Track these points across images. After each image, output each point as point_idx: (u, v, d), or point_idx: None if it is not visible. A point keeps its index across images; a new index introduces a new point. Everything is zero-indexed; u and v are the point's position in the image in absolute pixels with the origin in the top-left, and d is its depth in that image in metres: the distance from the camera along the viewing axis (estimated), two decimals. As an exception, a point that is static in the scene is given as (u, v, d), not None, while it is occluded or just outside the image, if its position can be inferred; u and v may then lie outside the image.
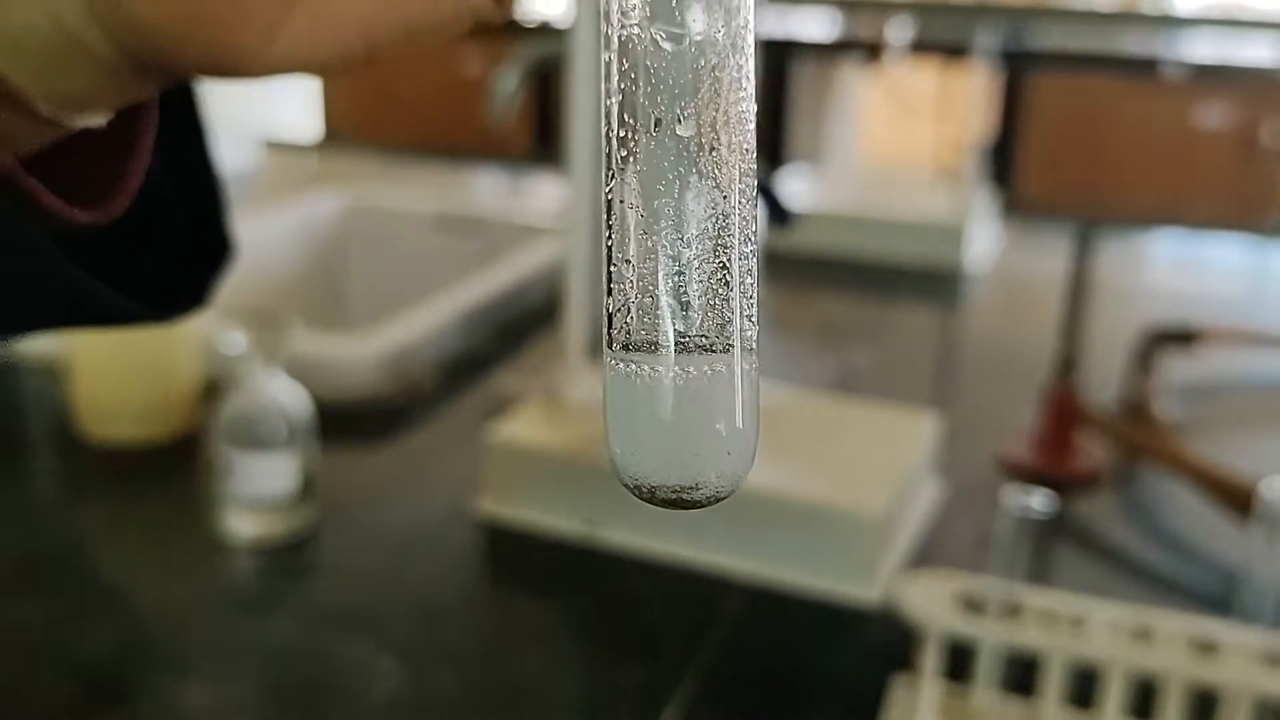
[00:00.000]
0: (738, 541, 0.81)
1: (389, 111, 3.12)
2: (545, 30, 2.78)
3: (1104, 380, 1.08)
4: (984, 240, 1.57)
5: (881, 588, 0.79)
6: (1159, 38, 2.84)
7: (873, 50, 2.53)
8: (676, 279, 0.26)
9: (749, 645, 0.75)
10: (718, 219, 0.26)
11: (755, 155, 0.26)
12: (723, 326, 0.26)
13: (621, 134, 0.26)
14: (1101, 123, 2.73)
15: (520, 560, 0.85)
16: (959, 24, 2.34)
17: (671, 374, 0.26)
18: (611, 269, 0.26)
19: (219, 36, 0.27)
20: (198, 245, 0.38)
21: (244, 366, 0.83)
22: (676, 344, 0.26)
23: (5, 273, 0.29)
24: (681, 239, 0.25)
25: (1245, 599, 0.74)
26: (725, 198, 0.26)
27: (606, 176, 0.26)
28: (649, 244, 0.26)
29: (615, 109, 0.26)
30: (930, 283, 1.47)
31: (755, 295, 0.27)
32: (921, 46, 2.34)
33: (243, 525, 0.83)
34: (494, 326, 1.23)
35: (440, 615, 0.77)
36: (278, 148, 1.95)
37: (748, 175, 0.26)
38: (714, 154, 0.25)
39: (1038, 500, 0.63)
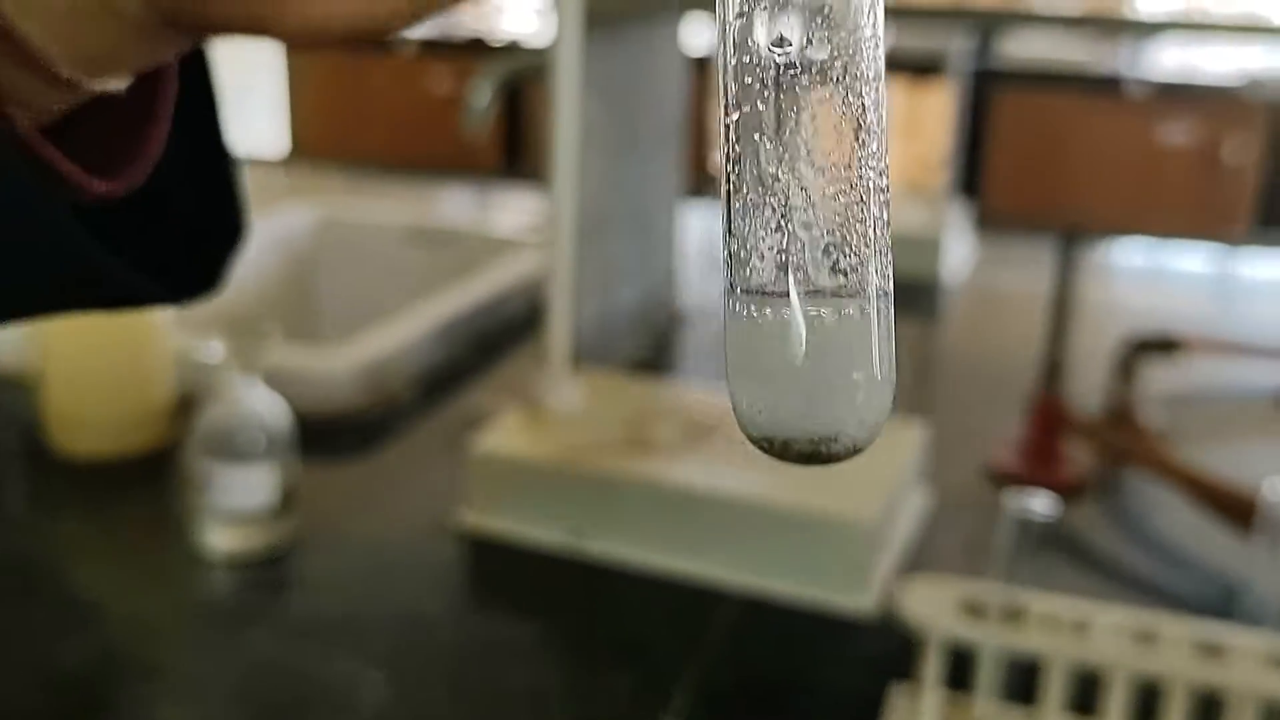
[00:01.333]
0: (727, 551, 0.80)
1: (356, 128, 3.09)
2: (514, 49, 2.78)
3: (1086, 389, 1.08)
4: (959, 253, 1.57)
5: (875, 596, 0.77)
6: (1124, 47, 2.87)
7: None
8: (807, 214, 0.24)
9: (741, 657, 0.74)
10: (852, 148, 0.24)
11: (885, 87, 0.25)
12: (858, 267, 0.24)
13: (745, 58, 0.24)
14: (1067, 139, 2.75)
15: (504, 572, 0.83)
16: (930, 33, 2.35)
17: (804, 318, 0.24)
18: (733, 204, 0.24)
19: None
20: (212, 224, 0.36)
21: (221, 377, 0.81)
22: (810, 285, 0.24)
23: (18, 245, 0.27)
24: (814, 168, 0.24)
25: (1247, 605, 0.74)
26: (860, 124, 0.24)
27: (725, 103, 0.24)
28: (777, 174, 0.24)
29: (735, 31, 0.24)
30: (908, 295, 1.46)
31: (889, 235, 0.25)
32: (894, 63, 2.36)
33: (220, 539, 0.81)
34: (469, 340, 1.22)
35: (424, 629, 0.75)
36: (246, 163, 1.93)
37: (881, 102, 0.25)
38: (848, 77, 0.24)
39: (1040, 504, 0.62)
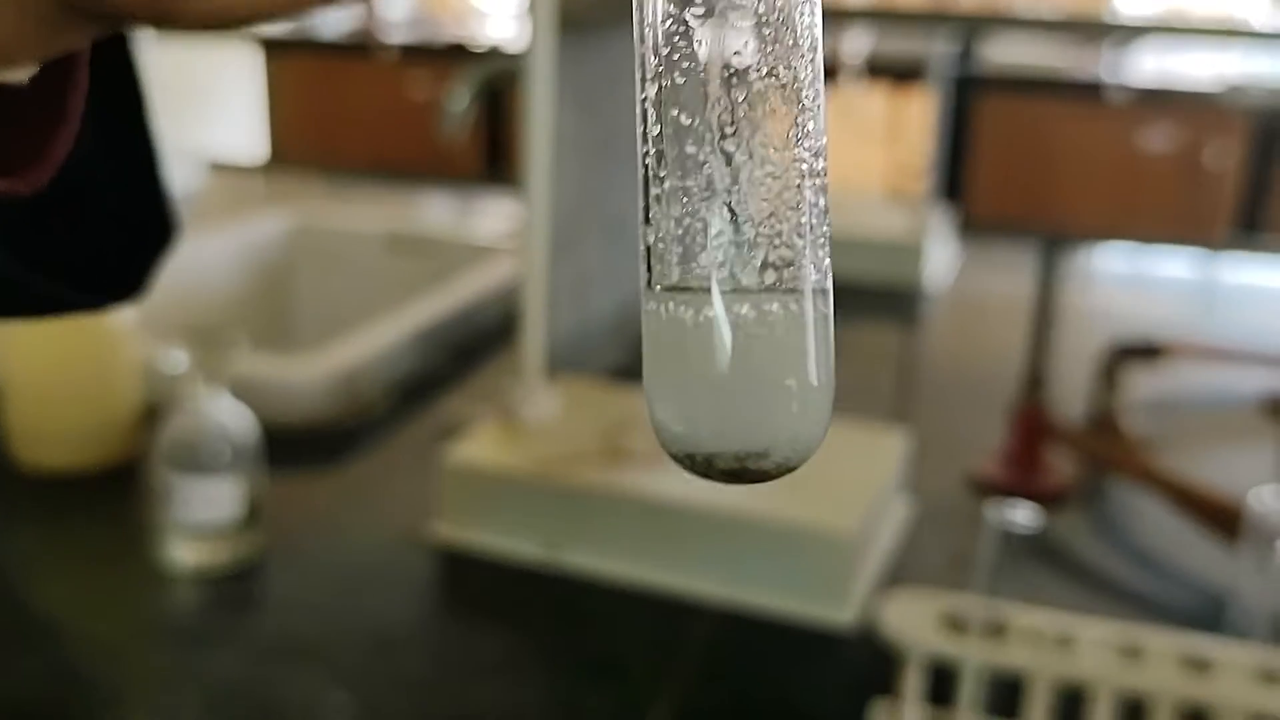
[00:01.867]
0: (705, 563, 0.78)
1: (335, 133, 3.07)
2: (494, 54, 2.76)
3: (1069, 396, 1.07)
4: (941, 259, 1.56)
5: (855, 609, 0.76)
6: (1105, 53, 2.87)
7: (828, 71, 2.52)
8: (733, 201, 0.21)
9: (719, 671, 0.72)
10: (786, 126, 0.21)
11: (822, 60, 0.22)
12: (791, 261, 0.21)
13: (666, 25, 0.21)
14: (1049, 145, 2.74)
15: (478, 586, 0.81)
16: (911, 38, 2.34)
17: (730, 317, 0.21)
18: (652, 191, 0.22)
19: None
20: (136, 224, 0.34)
21: (185, 387, 0.79)
22: (734, 282, 0.21)
23: None
24: (740, 148, 0.21)
25: (1234, 616, 0.72)
26: (791, 100, 0.21)
27: (643, 76, 0.22)
28: (699, 157, 0.21)
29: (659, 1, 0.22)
30: (890, 301, 1.45)
31: (827, 224, 0.22)
32: (875, 68, 2.35)
33: (184, 553, 0.79)
34: (445, 347, 1.20)
35: (394, 645, 0.73)
36: (221, 169, 1.91)
37: (816, 79, 0.22)
38: (779, 46, 0.21)
39: (1021, 515, 0.61)
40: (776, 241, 0.22)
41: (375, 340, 1.11)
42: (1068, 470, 0.96)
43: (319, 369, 1.03)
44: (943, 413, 1.13)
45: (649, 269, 0.22)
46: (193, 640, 0.74)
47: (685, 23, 0.21)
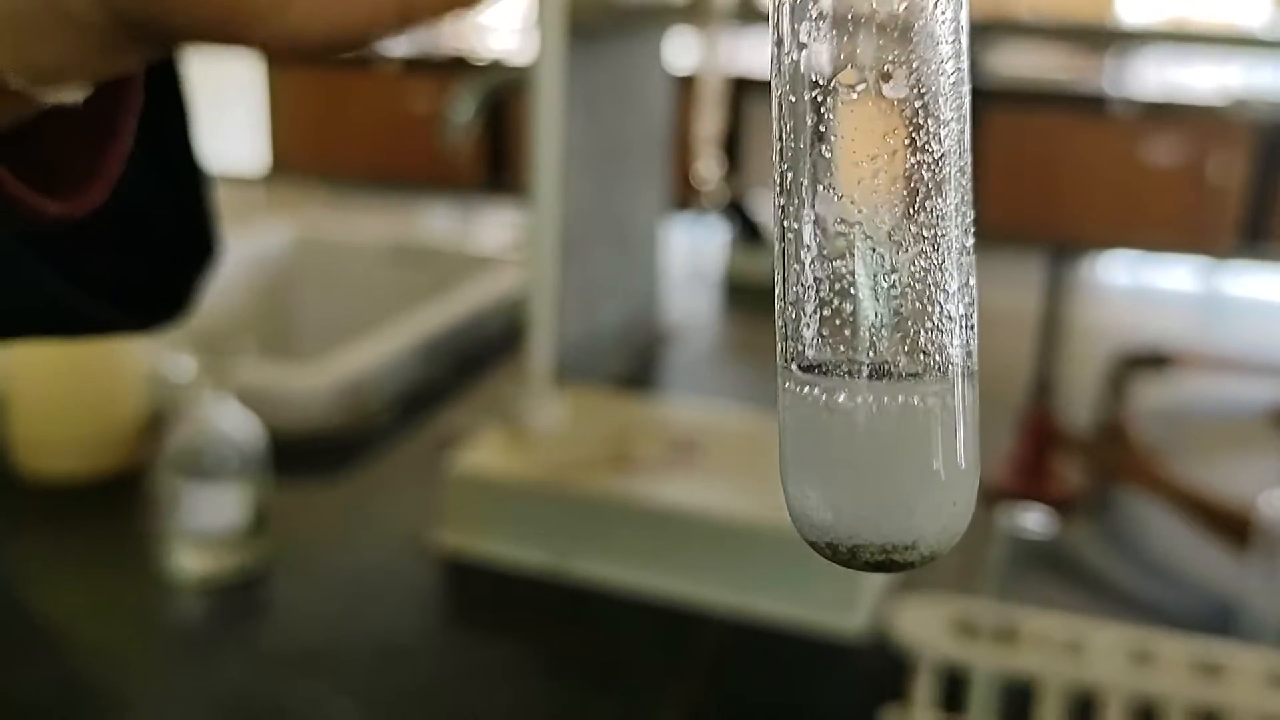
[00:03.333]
0: (713, 571, 0.78)
1: (337, 144, 3.08)
2: (496, 65, 2.77)
3: (1076, 404, 1.06)
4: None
5: (865, 616, 0.75)
6: (1110, 65, 2.87)
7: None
8: (878, 280, 0.20)
9: (728, 680, 0.72)
10: (931, 203, 0.20)
11: (970, 130, 0.21)
12: (940, 344, 0.21)
13: (801, 91, 0.20)
14: (1054, 158, 2.75)
15: (484, 595, 0.81)
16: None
17: (877, 404, 0.20)
18: (791, 266, 0.21)
19: None
20: (181, 244, 0.34)
21: (191, 394, 0.79)
22: (883, 366, 0.20)
23: None
24: (886, 223, 0.20)
25: (1244, 622, 0.72)
26: (939, 175, 0.20)
27: (779, 144, 0.21)
28: (845, 233, 0.20)
29: (788, 55, 0.21)
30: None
31: (975, 302, 0.21)
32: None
33: (190, 561, 0.78)
34: (449, 358, 1.19)
35: (400, 655, 0.73)
36: (224, 180, 1.91)
37: (964, 152, 0.21)
38: (926, 116, 0.20)
39: (1032, 522, 0.60)
40: (927, 324, 0.21)
41: (380, 350, 1.10)
42: (1076, 479, 0.96)
43: (324, 378, 1.03)
44: (949, 422, 1.13)
45: (786, 346, 0.21)
46: (198, 649, 0.74)
47: (831, 92, 0.20)
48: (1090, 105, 2.72)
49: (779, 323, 0.22)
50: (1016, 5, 2.81)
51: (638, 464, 0.84)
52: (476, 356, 1.22)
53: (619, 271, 1.20)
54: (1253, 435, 1.12)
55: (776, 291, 0.22)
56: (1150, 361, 1.12)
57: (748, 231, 0.93)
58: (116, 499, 0.90)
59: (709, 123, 1.21)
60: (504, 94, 1.24)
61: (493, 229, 1.70)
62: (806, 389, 0.21)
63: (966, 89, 0.21)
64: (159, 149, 0.32)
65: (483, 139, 2.74)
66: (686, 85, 1.31)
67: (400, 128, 2.88)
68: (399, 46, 3.09)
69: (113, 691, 0.70)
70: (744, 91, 2.72)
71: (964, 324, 0.21)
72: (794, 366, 0.21)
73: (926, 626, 0.61)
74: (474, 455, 0.85)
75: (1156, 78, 2.84)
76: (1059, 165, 2.74)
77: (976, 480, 0.22)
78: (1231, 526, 0.81)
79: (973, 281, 0.21)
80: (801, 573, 0.76)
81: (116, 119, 0.28)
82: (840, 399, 0.21)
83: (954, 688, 0.62)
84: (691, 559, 0.78)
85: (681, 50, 1.40)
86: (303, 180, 2.03)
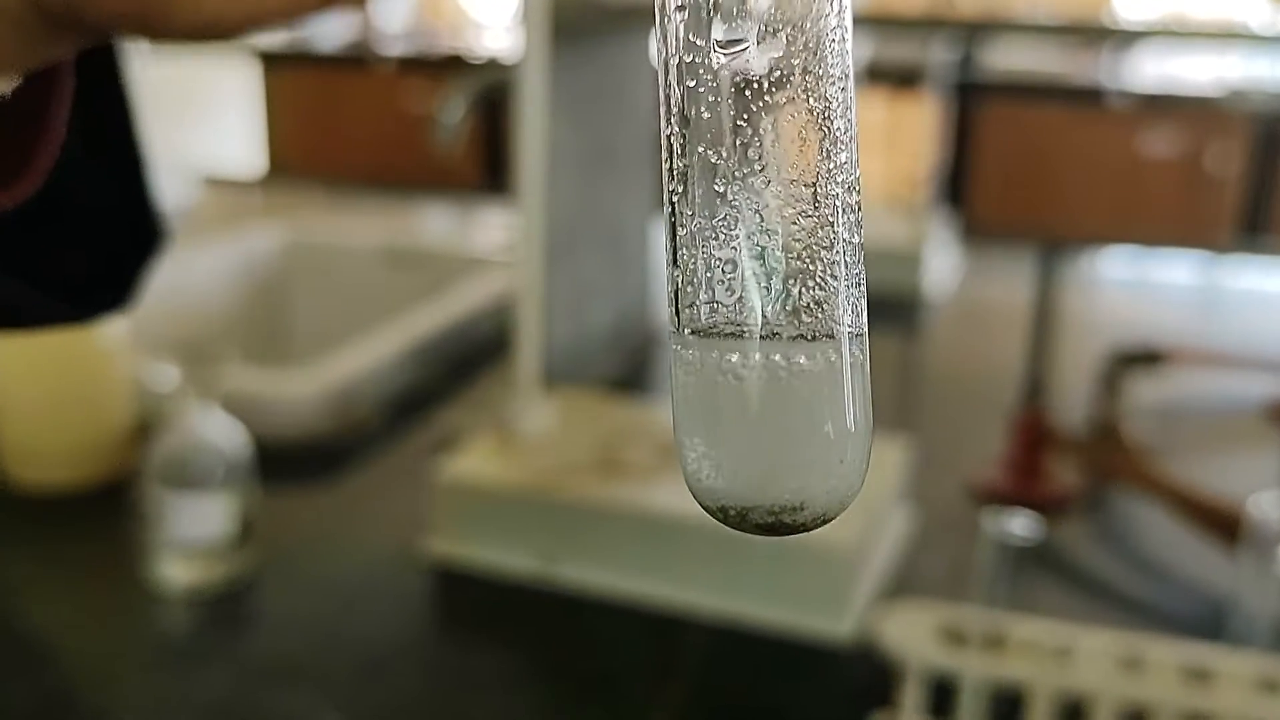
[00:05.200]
0: (701, 576, 0.77)
1: (332, 145, 3.07)
2: (490, 64, 2.76)
3: (1070, 403, 1.06)
4: (942, 266, 1.55)
5: (854, 622, 0.75)
6: (1106, 58, 2.86)
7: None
8: (763, 241, 0.20)
9: (716, 686, 0.71)
10: (816, 160, 0.20)
11: (854, 87, 0.21)
12: (825, 304, 0.20)
13: (689, 58, 0.20)
14: (1051, 151, 2.74)
15: (472, 602, 0.80)
16: (911, 44, 2.34)
17: (764, 365, 0.20)
18: (679, 231, 0.21)
19: None
20: (123, 234, 0.33)
21: (177, 404, 0.78)
22: (767, 327, 0.20)
23: None
24: (770, 186, 0.20)
25: (1236, 624, 0.71)
26: (825, 132, 0.20)
27: (667, 111, 0.21)
28: (727, 196, 0.20)
29: (678, 27, 0.21)
30: (890, 309, 1.44)
31: (862, 265, 0.21)
32: (875, 74, 2.34)
33: (176, 572, 0.78)
34: (440, 361, 1.19)
35: (388, 664, 0.73)
36: (218, 183, 1.90)
37: (848, 108, 0.21)
38: (809, 77, 0.20)
39: (1019, 526, 0.60)
40: (810, 283, 0.21)
41: (370, 354, 1.10)
42: (1069, 478, 0.95)
43: (314, 384, 1.03)
44: (944, 421, 1.13)
45: (676, 312, 0.21)
46: (184, 659, 0.74)
47: (708, 54, 0.21)
48: (1086, 98, 2.72)
49: (668, 289, 0.21)
50: (1013, 2, 2.80)
51: (626, 469, 0.83)
52: (469, 359, 1.22)
53: (608, 272, 1.20)
54: (1248, 431, 1.12)
55: (666, 259, 0.21)
56: (1144, 359, 1.11)
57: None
58: (103, 509, 0.89)
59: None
60: (497, 94, 1.24)
61: (489, 230, 1.70)
62: (693, 352, 0.21)
63: (850, 45, 0.21)
64: (98, 137, 0.32)
65: (479, 139, 2.73)
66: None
67: (396, 128, 2.88)
68: (394, 46, 3.08)
69: (98, 703, 0.70)
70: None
71: (850, 284, 0.21)
72: (685, 331, 0.21)
73: (914, 633, 0.60)
74: (461, 461, 0.84)
75: (1153, 70, 2.84)
76: (1055, 158, 2.73)
77: (868, 443, 0.21)
78: (1224, 526, 0.81)
79: (858, 240, 0.21)
80: (790, 579, 0.76)
81: (47, 109, 0.28)
82: (726, 361, 0.21)
83: (942, 694, 0.61)
84: (680, 564, 0.78)
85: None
86: (298, 182, 2.03)
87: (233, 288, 1.41)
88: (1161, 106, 2.68)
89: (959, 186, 2.59)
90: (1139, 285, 1.66)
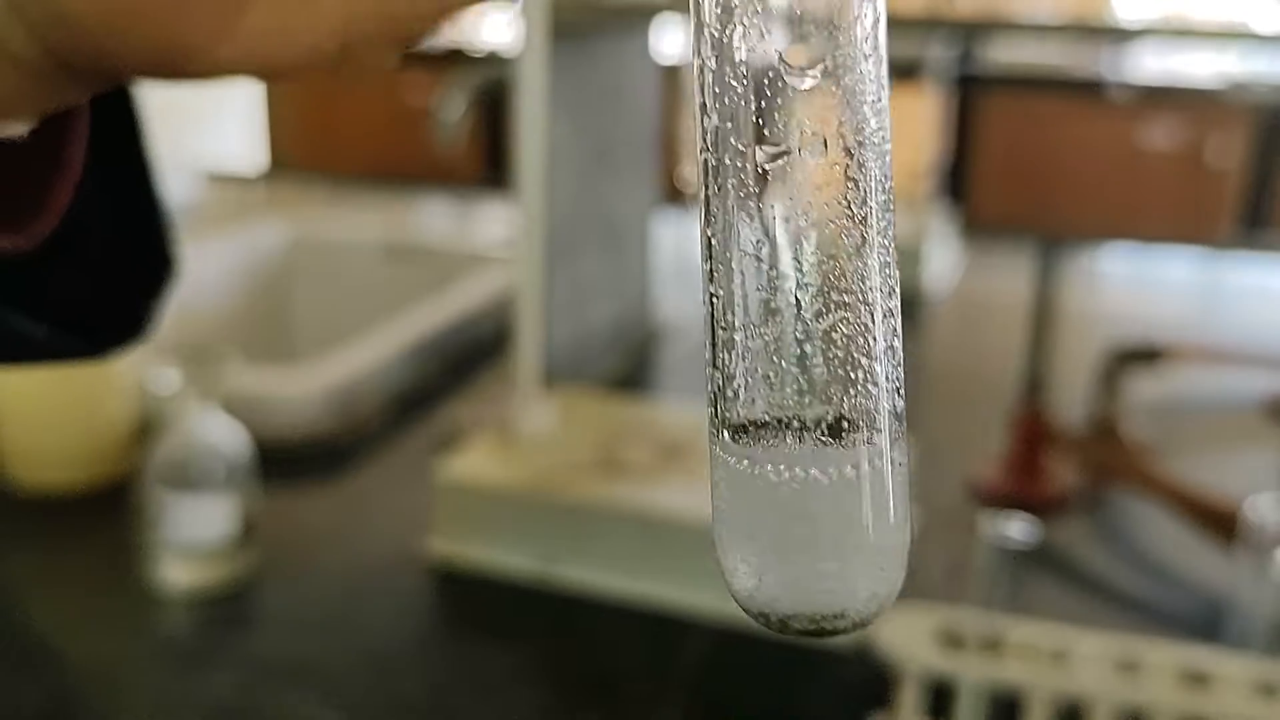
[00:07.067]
0: (701, 578, 0.78)
1: (334, 141, 3.07)
2: (491, 59, 2.76)
3: (1070, 400, 1.06)
4: (944, 261, 1.55)
5: (852, 622, 0.75)
6: (1106, 52, 2.86)
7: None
8: (801, 342, 0.20)
9: (715, 687, 0.71)
10: (854, 262, 0.20)
11: (892, 184, 0.21)
12: (867, 411, 0.20)
13: (725, 157, 0.20)
14: (1052, 143, 2.74)
15: (473, 603, 0.81)
16: (912, 38, 2.34)
17: (805, 473, 0.20)
18: (718, 331, 0.21)
19: (160, 33, 0.23)
20: (135, 265, 0.33)
21: (177, 405, 0.78)
22: (806, 429, 0.20)
23: None
24: (807, 288, 0.20)
25: (1234, 625, 0.72)
26: (862, 233, 0.20)
27: (705, 213, 0.21)
28: (765, 296, 0.20)
29: (711, 125, 0.20)
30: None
31: (901, 361, 0.21)
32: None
33: (177, 573, 0.78)
34: (443, 358, 1.19)
35: (390, 664, 0.73)
36: (219, 179, 1.90)
37: (888, 206, 0.21)
38: (848, 178, 0.20)
39: (1017, 529, 0.60)
40: (852, 390, 0.20)
41: (372, 353, 1.10)
42: (1069, 476, 0.95)
43: (315, 383, 1.03)
44: (944, 419, 1.13)
45: (716, 415, 0.21)
46: (187, 660, 0.74)
47: (754, 161, 0.20)
48: (1087, 90, 2.71)
49: (708, 388, 0.21)
50: (1012, 2, 2.80)
51: (627, 469, 0.84)
52: (471, 356, 1.22)
53: (608, 271, 1.20)
54: (1248, 428, 1.12)
55: (705, 356, 0.21)
56: (1143, 355, 1.11)
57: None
58: (105, 510, 0.90)
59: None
60: (498, 89, 1.24)
61: (489, 225, 1.70)
62: (734, 458, 0.21)
63: (889, 148, 0.21)
64: (111, 170, 0.32)
65: (479, 134, 2.73)
66: (672, 76, 1.30)
67: (399, 122, 2.87)
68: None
69: (100, 705, 0.70)
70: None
71: (890, 388, 0.21)
72: (723, 433, 0.21)
73: (911, 637, 0.61)
74: (461, 462, 0.84)
75: (1154, 62, 2.83)
76: (1056, 151, 2.73)
77: (906, 546, 0.21)
78: (1223, 525, 0.81)
79: (898, 345, 0.21)
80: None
81: (63, 148, 0.28)
82: (766, 469, 0.21)
83: (940, 696, 0.62)
84: (680, 565, 0.78)
85: (667, 41, 1.39)
86: (300, 177, 2.03)
87: (235, 284, 1.41)
88: (1162, 98, 2.67)
89: (959, 180, 2.59)
90: (1139, 280, 1.66)
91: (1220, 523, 0.81)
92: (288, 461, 0.96)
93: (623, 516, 0.80)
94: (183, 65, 0.23)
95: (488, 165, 2.79)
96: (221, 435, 0.79)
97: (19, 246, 0.27)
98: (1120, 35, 2.70)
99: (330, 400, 1.02)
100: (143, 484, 0.79)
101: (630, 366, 1.23)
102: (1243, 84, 2.62)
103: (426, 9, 0.25)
